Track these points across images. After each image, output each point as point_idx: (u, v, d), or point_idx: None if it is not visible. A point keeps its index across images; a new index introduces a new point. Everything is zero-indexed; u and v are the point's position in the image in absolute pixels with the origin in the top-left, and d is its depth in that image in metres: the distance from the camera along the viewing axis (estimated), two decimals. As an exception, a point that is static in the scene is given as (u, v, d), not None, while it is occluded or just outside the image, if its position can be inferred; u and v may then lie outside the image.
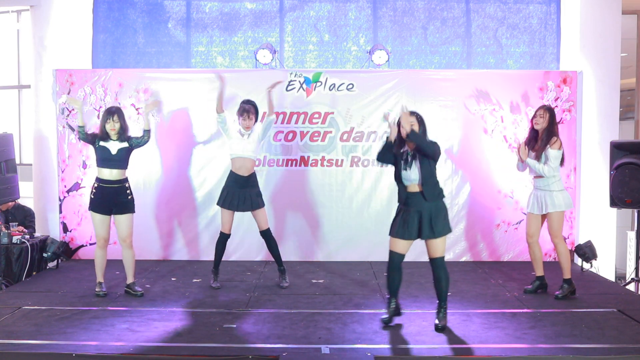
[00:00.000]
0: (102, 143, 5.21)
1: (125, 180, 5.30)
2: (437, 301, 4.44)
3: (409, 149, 4.37)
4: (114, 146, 5.21)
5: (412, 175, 4.31)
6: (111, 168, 5.20)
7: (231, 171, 5.52)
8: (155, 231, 6.82)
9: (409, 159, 4.33)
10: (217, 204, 5.58)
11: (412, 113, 4.37)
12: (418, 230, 4.33)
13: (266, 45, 6.78)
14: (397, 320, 4.54)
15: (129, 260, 5.35)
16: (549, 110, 5.19)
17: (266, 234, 5.59)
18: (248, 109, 5.42)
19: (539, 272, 5.40)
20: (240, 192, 5.44)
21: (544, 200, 5.17)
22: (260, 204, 5.53)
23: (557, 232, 5.18)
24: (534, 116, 5.20)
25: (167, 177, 6.80)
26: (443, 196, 4.42)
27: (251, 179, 5.52)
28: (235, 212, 5.53)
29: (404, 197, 4.40)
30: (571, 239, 6.78)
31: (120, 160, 5.22)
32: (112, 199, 5.21)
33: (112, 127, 5.17)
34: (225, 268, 6.41)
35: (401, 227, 4.37)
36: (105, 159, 5.20)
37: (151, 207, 6.74)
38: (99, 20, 7.41)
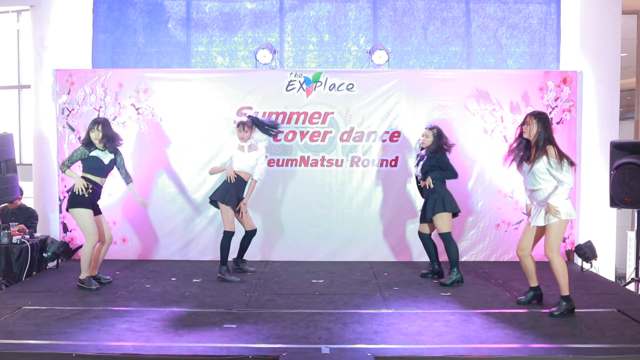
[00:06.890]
0: (93, 153, 5.39)
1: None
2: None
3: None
4: (106, 157, 5.44)
5: None
6: (102, 177, 5.50)
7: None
8: (156, 231, 6.82)
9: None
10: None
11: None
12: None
13: (266, 45, 6.78)
14: (395, 319, 4.56)
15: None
16: (537, 117, 4.61)
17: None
18: (244, 122, 5.84)
19: (533, 282, 4.95)
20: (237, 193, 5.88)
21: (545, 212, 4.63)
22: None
23: (554, 245, 4.61)
24: (523, 123, 4.66)
25: (167, 177, 6.80)
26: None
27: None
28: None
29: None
30: (571, 239, 6.79)
31: (110, 170, 5.52)
32: (96, 200, 5.53)
33: (97, 136, 5.36)
34: (225, 268, 6.43)
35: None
36: (97, 168, 5.43)
37: (151, 208, 6.72)
38: (99, 20, 7.41)
